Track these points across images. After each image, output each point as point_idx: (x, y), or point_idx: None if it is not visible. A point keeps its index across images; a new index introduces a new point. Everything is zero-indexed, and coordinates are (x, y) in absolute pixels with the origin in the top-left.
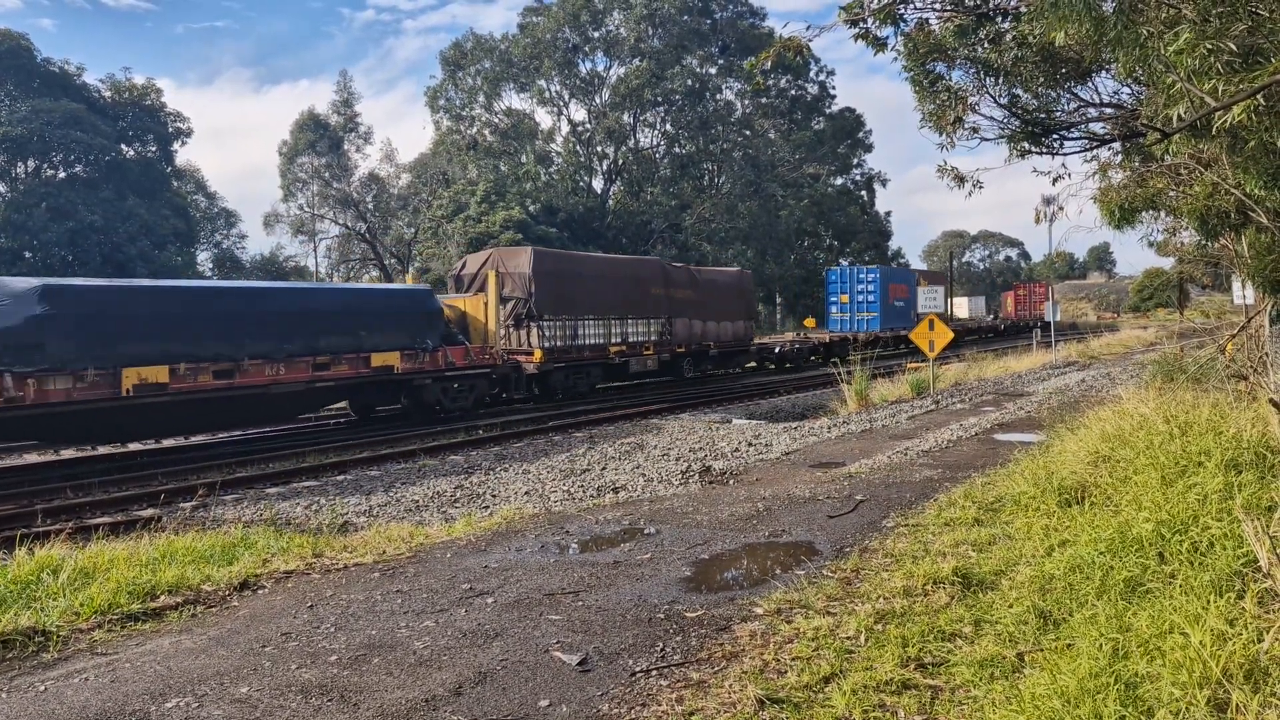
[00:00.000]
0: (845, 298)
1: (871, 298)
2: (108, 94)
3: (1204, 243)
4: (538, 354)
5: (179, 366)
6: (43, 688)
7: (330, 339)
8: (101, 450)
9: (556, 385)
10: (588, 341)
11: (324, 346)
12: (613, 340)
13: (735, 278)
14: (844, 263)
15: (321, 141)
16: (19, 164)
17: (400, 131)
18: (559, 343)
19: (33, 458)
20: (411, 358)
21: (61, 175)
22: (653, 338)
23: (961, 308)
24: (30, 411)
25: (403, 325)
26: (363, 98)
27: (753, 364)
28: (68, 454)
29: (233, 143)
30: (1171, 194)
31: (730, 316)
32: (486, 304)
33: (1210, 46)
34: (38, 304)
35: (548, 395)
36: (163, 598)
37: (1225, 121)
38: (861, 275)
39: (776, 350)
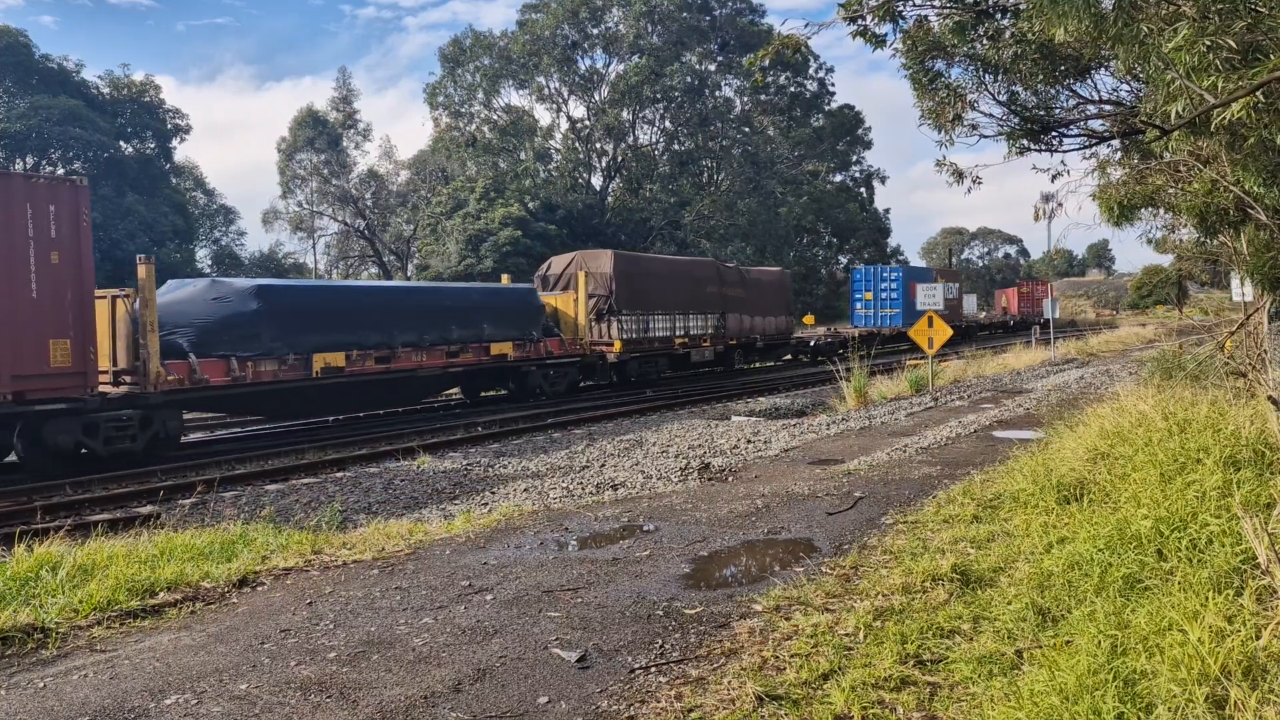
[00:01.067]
0: (870, 295)
1: (895, 295)
2: (106, 90)
3: (1203, 240)
4: (617, 345)
5: (352, 353)
6: (42, 684)
7: (459, 331)
8: None
9: (632, 372)
10: (657, 334)
11: (455, 337)
12: (677, 333)
13: (778, 276)
14: (854, 262)
15: (320, 138)
16: (17, 160)
17: (403, 127)
18: (634, 335)
19: None
20: (520, 347)
21: (60, 172)
22: (709, 331)
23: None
24: (247, 389)
25: (515, 320)
26: (366, 95)
27: (788, 356)
28: None
29: (234, 139)
30: (1170, 191)
31: (774, 312)
32: (576, 300)
33: (1209, 43)
34: (254, 300)
35: (624, 381)
36: (162, 595)
37: (1224, 118)
38: (885, 274)
39: (812, 343)
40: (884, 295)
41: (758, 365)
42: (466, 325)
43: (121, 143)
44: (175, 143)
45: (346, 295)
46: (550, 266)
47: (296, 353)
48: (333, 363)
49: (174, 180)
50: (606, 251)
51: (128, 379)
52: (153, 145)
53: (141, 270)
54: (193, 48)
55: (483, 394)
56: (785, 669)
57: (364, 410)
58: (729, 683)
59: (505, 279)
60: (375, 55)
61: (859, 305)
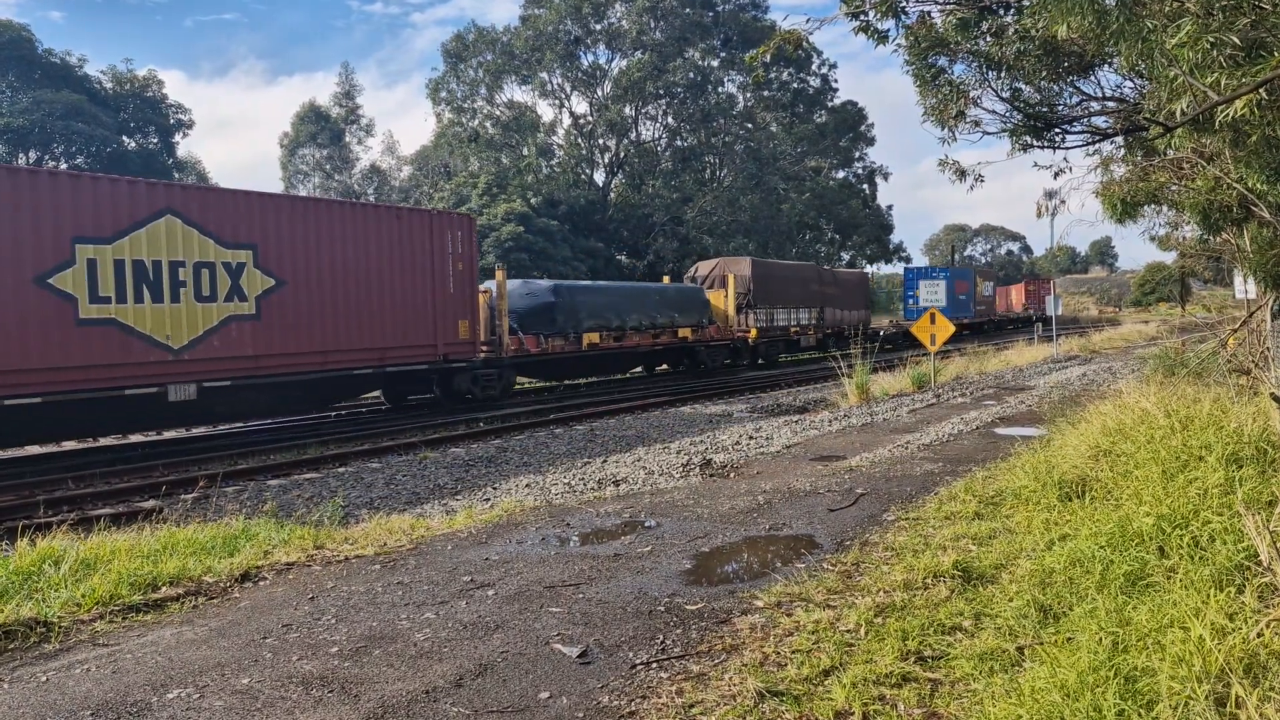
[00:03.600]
0: (918, 292)
1: (942, 292)
2: (109, 85)
3: (1206, 237)
4: (754, 331)
5: (603, 333)
6: (44, 678)
7: (659, 317)
8: (104, 441)
9: (762, 353)
10: (778, 324)
11: (659, 323)
12: (792, 323)
13: (859, 276)
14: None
15: (323, 133)
16: (20, 155)
17: (410, 122)
18: (764, 324)
19: (34, 449)
20: (696, 331)
21: (63, 166)
22: (813, 322)
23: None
24: (547, 357)
25: (691, 310)
26: (377, 89)
27: (869, 344)
28: (69, 445)
29: (241, 134)
30: (1174, 188)
31: (856, 306)
32: (726, 296)
33: (1213, 40)
34: (551, 295)
35: (754, 360)
36: (164, 589)
37: (1228, 116)
38: (934, 274)
39: (881, 334)
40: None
41: (839, 352)
42: (664, 313)
43: (124, 137)
44: (178, 137)
45: (599, 291)
46: (697, 269)
47: (574, 333)
48: (593, 340)
49: (176, 175)
50: (746, 259)
51: (485, 349)
52: (155, 140)
53: (499, 274)
54: (206, 42)
55: (659, 368)
56: (786, 665)
57: (600, 375)
58: (730, 678)
59: (665, 279)
60: (388, 49)
61: (911, 302)
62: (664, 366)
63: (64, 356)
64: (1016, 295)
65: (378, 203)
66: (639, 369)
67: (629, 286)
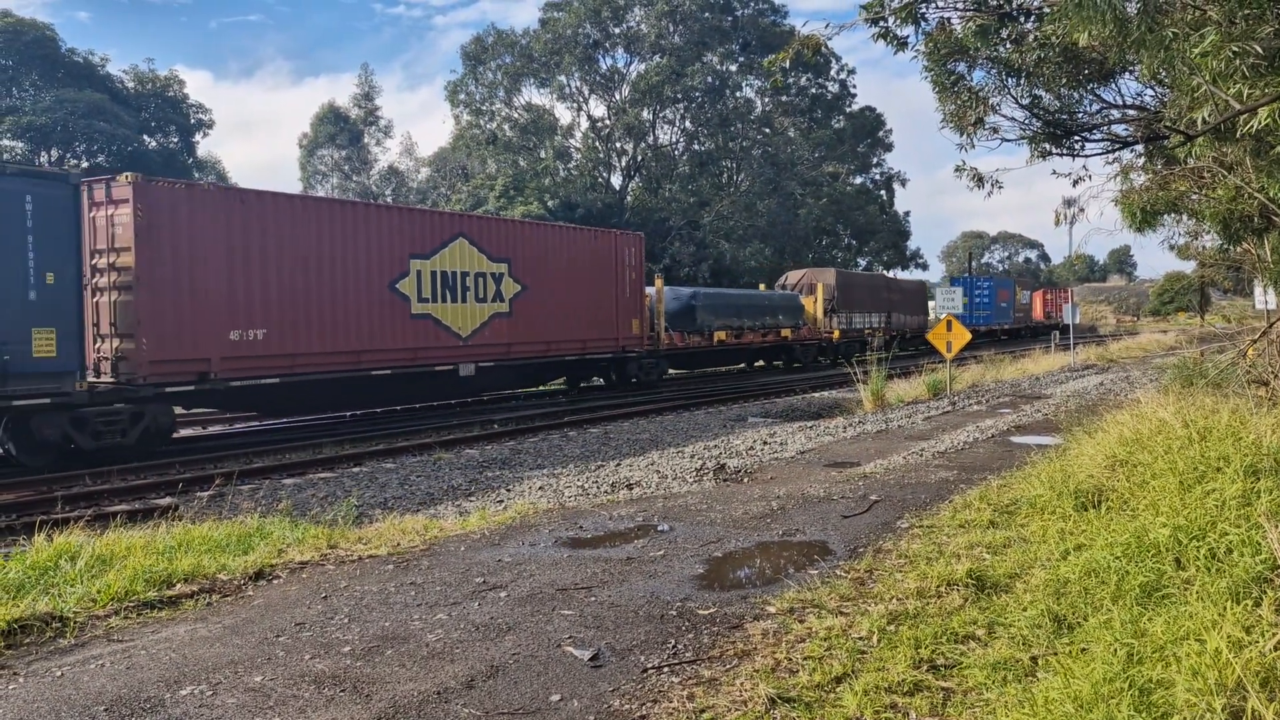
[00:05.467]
0: (966, 300)
1: (986, 300)
2: (131, 85)
3: (1226, 247)
4: (836, 333)
5: (727, 331)
6: (59, 673)
7: (768, 319)
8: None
9: (842, 351)
10: (855, 326)
11: (768, 324)
12: (866, 326)
13: (918, 285)
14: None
15: (342, 134)
16: (42, 153)
17: (430, 124)
18: (845, 326)
19: None
20: (794, 331)
21: (84, 165)
22: (881, 325)
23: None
24: (687, 351)
25: (790, 313)
26: (401, 91)
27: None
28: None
29: (263, 135)
30: (1194, 197)
31: (915, 312)
32: (815, 301)
33: (1236, 49)
34: (691, 299)
35: (835, 358)
36: (179, 586)
37: (1250, 126)
38: (980, 283)
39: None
40: (978, 301)
41: (901, 352)
42: (770, 315)
43: (145, 136)
44: (198, 137)
45: (726, 296)
46: (787, 278)
47: (707, 331)
48: (721, 337)
49: (196, 175)
50: (831, 269)
51: (647, 343)
52: (176, 139)
53: (658, 282)
54: (232, 43)
55: (757, 363)
56: (798, 671)
57: (725, 366)
58: (741, 684)
59: (762, 287)
60: (414, 52)
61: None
62: (760, 363)
63: (402, 341)
64: (1038, 303)
65: (580, 226)
66: (741, 365)
67: (748, 293)
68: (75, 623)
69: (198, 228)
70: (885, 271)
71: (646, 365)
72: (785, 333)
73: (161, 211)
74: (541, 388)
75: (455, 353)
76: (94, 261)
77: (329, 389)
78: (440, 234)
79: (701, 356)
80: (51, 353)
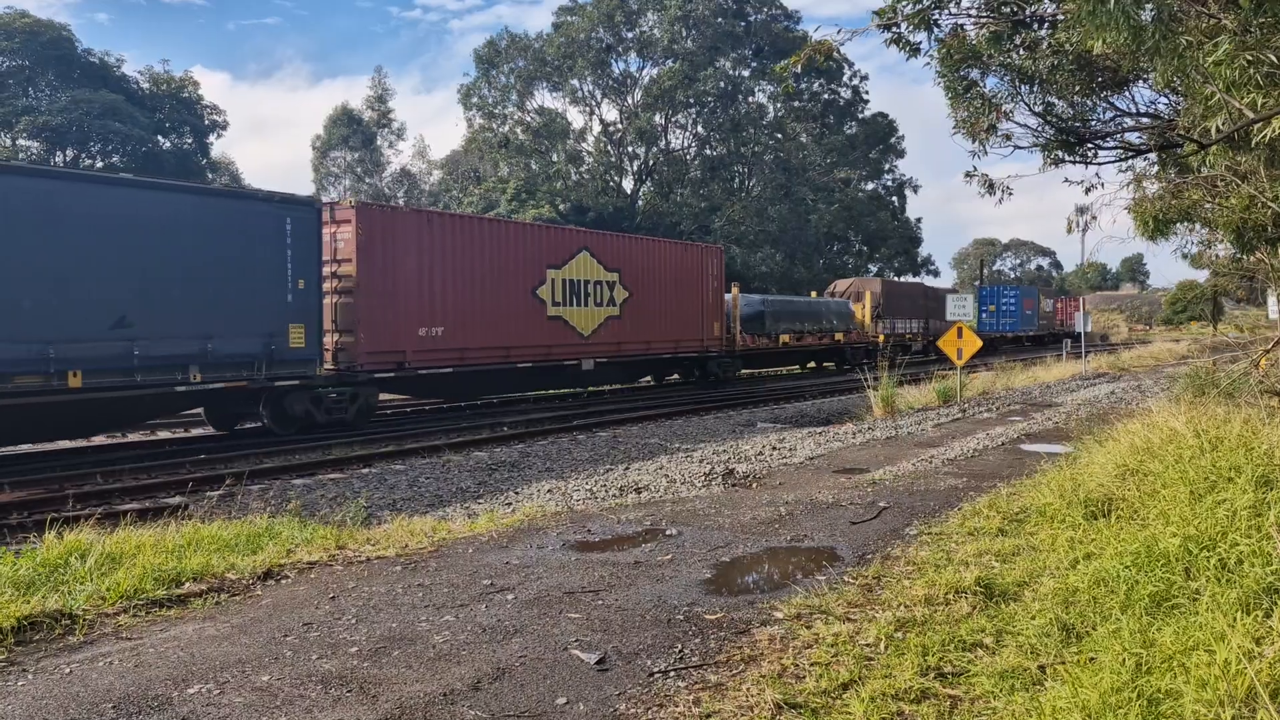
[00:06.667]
0: (993, 308)
1: (1012, 308)
2: (146, 86)
3: (1239, 256)
4: (881, 337)
5: (790, 334)
6: (68, 670)
7: (824, 324)
8: (131, 438)
9: (887, 354)
10: (898, 331)
11: (824, 328)
12: (907, 332)
13: (953, 292)
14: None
15: (354, 136)
16: (57, 153)
17: (447, 127)
18: (889, 331)
19: (64, 444)
20: (846, 335)
21: (99, 165)
22: (920, 330)
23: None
24: (754, 351)
25: (843, 319)
26: (417, 93)
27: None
28: (99, 440)
29: (279, 136)
30: (1207, 206)
31: (971, 317)
32: (863, 308)
33: (1250, 57)
34: (760, 305)
35: (876, 359)
36: (188, 585)
37: (1264, 135)
38: (1005, 292)
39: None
40: (1004, 308)
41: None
42: (826, 320)
43: (159, 137)
44: (212, 138)
45: (790, 303)
46: (835, 286)
47: (775, 334)
48: (784, 340)
49: (210, 176)
50: (877, 279)
51: (724, 344)
52: (190, 140)
53: (734, 289)
54: (253, 44)
55: (819, 364)
56: (805, 677)
57: (782, 365)
58: (748, 689)
59: (813, 294)
60: (432, 54)
61: (985, 315)
62: (811, 365)
63: (539, 339)
64: (1060, 311)
65: (674, 240)
66: (795, 367)
67: (808, 300)
68: (84, 620)
69: (398, 243)
70: (895, 278)
71: (724, 363)
72: (839, 336)
73: (374, 230)
74: (550, 390)
75: (579, 349)
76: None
77: (486, 378)
78: (569, 248)
79: (768, 357)
80: (301, 344)
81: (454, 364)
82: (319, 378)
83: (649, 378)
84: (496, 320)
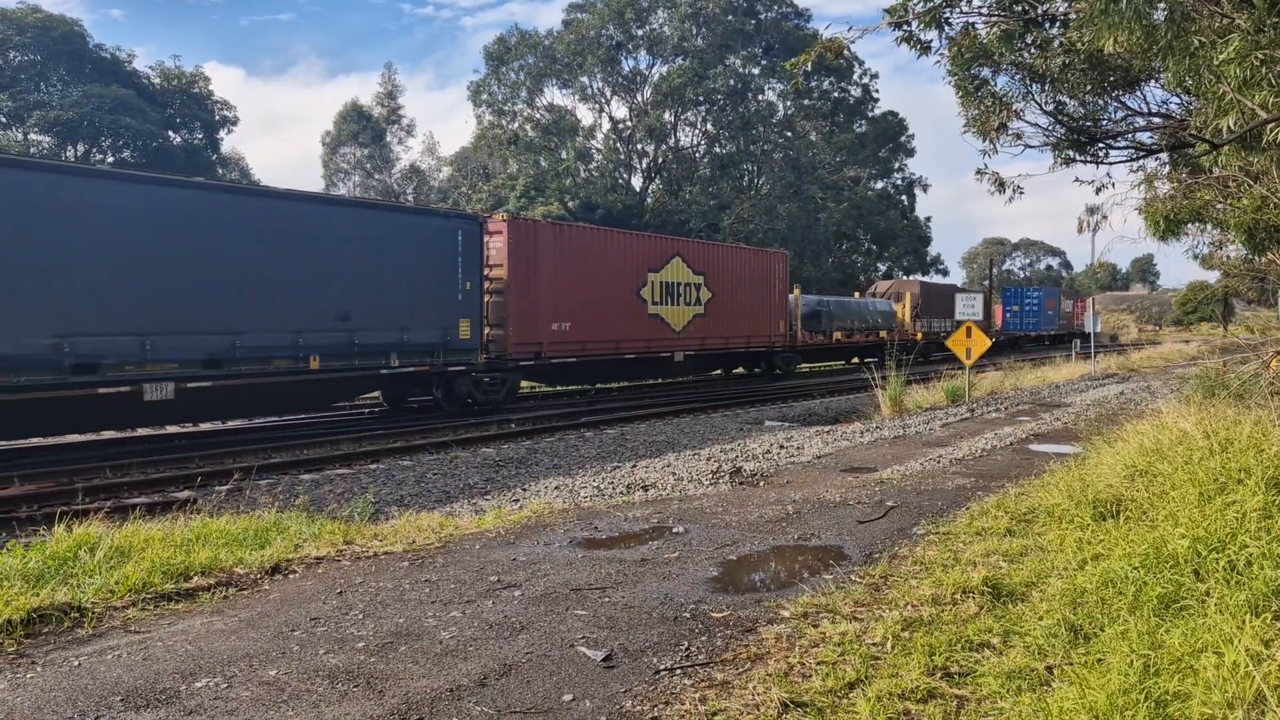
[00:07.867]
0: (1017, 308)
1: (1035, 308)
2: (157, 81)
3: (1250, 257)
4: (920, 335)
5: (842, 332)
6: (76, 662)
7: (870, 322)
8: (141, 432)
9: (924, 351)
10: (934, 329)
11: (870, 326)
12: (941, 331)
13: (985, 292)
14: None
15: (364, 133)
16: (68, 148)
17: (457, 123)
18: (927, 330)
19: (74, 437)
20: (889, 332)
21: (109, 160)
22: (954, 328)
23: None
24: (812, 347)
25: (885, 319)
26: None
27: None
28: (108, 434)
29: (291, 132)
30: (1219, 206)
31: (980, 317)
32: (904, 308)
33: (1262, 56)
34: (817, 306)
35: (914, 355)
36: (196, 579)
37: (1276, 135)
38: (1029, 293)
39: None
40: (1027, 308)
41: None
42: (874, 320)
43: (170, 132)
44: (223, 134)
45: (842, 304)
46: (876, 287)
47: (829, 332)
48: (838, 337)
49: (220, 171)
50: (916, 281)
51: (785, 341)
52: (200, 136)
53: (796, 289)
54: (266, 40)
55: (859, 360)
56: (811, 676)
57: (834, 360)
58: (754, 688)
59: (857, 295)
60: (446, 50)
61: (1008, 315)
62: (855, 360)
63: (641, 334)
64: (1078, 311)
65: (749, 246)
66: (840, 362)
67: (857, 301)
68: (93, 613)
69: (537, 250)
70: (903, 277)
71: (787, 358)
72: (883, 334)
73: (520, 239)
74: (560, 388)
75: (672, 343)
76: None
77: (600, 367)
78: (665, 254)
79: (823, 352)
80: (468, 335)
81: (577, 355)
82: (480, 364)
83: (719, 370)
84: (609, 317)
